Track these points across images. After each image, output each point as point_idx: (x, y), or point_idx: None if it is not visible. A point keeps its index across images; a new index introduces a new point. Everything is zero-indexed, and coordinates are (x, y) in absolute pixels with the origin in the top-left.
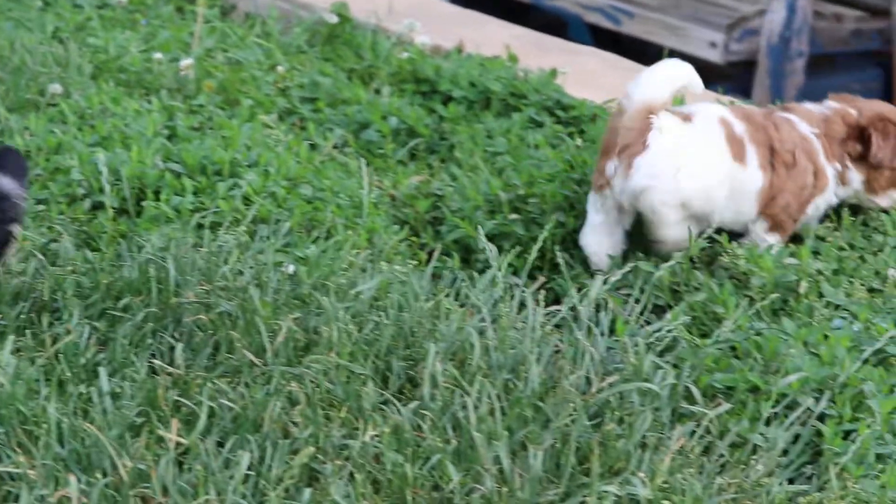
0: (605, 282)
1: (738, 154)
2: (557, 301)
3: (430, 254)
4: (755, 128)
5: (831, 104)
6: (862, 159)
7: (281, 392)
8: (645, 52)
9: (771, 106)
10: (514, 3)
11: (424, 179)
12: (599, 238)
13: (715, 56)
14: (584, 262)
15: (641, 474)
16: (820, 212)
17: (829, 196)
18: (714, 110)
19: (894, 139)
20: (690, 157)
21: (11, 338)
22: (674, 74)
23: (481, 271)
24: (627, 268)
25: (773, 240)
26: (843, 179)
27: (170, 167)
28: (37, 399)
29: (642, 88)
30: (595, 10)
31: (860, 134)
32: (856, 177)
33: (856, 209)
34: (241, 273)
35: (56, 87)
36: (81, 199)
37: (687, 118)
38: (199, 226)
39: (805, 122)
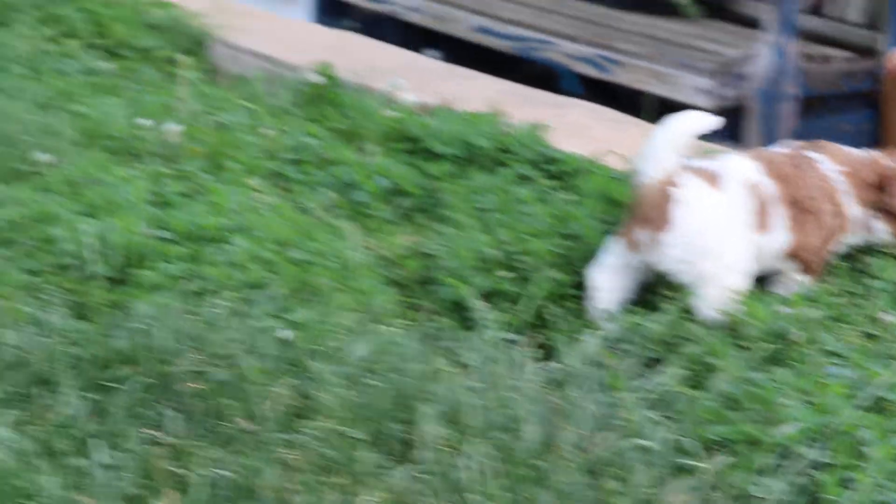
0: (599, 337)
1: (766, 223)
2: (551, 357)
3: (422, 313)
4: (781, 181)
5: (873, 152)
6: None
7: (276, 459)
8: (638, 99)
9: (801, 143)
10: (503, 56)
11: (414, 239)
12: (610, 278)
13: (705, 102)
14: (579, 316)
15: None
16: (844, 247)
17: (852, 236)
18: (741, 170)
19: None
20: (717, 236)
21: (5, 410)
22: (673, 138)
23: (474, 329)
24: (624, 323)
25: (805, 280)
26: (866, 225)
27: (159, 234)
28: (32, 472)
29: (649, 163)
30: (583, 60)
31: (882, 182)
32: (881, 225)
33: (848, 254)
34: (233, 340)
35: (43, 156)
36: (71, 269)
37: (712, 180)
38: (191, 292)
39: (831, 160)
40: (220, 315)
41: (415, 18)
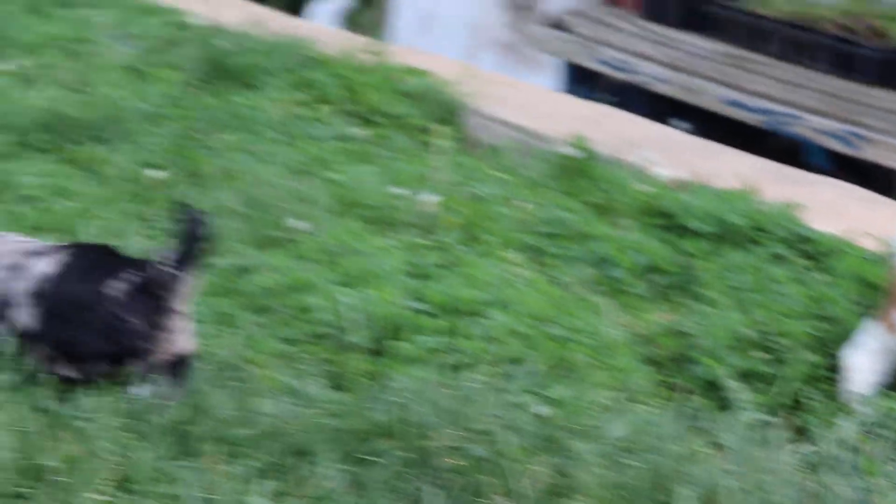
0: (854, 421)
1: None
2: (806, 440)
3: (677, 392)
4: None
5: None
6: None
7: None
8: (889, 177)
9: None
10: (749, 128)
11: (669, 317)
12: (866, 360)
13: None
14: (834, 399)
15: None
16: None
17: None
18: None
19: None
20: None
21: (263, 481)
22: None
23: (729, 410)
24: (880, 407)
25: None
26: None
27: (416, 306)
28: None
29: None
30: (831, 136)
31: None
32: None
33: None
34: (490, 415)
35: (297, 223)
36: (328, 338)
37: None
38: (447, 366)
39: None
40: (477, 389)
41: (663, 89)
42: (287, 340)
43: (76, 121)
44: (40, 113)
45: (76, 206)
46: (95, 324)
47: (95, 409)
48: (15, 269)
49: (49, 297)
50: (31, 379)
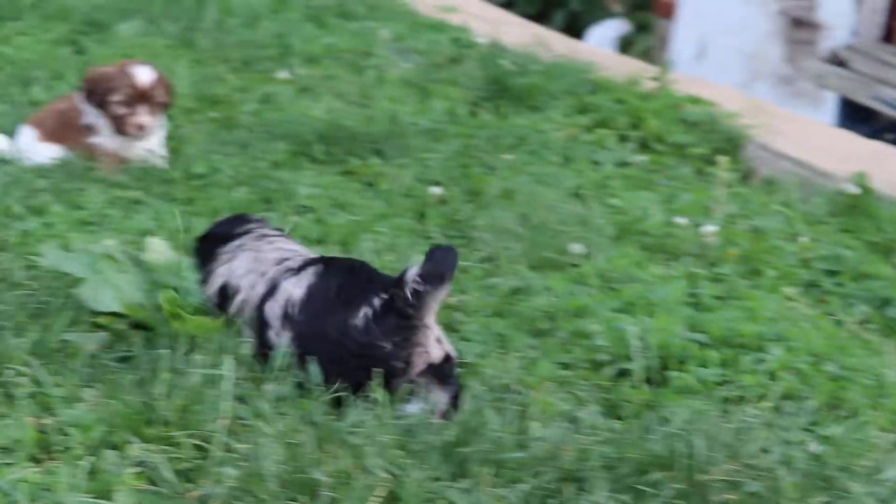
0: None
1: None
2: None
3: None
4: None
5: None
6: None
7: None
8: None
9: None
10: None
11: None
12: None
13: None
14: None
15: None
16: None
17: None
18: None
19: None
20: None
21: None
22: None
23: None
24: None
25: None
26: None
27: (694, 337)
28: None
29: None
30: None
31: None
32: None
33: None
34: (766, 451)
35: (577, 247)
36: (605, 366)
37: None
38: (724, 399)
39: None
40: (753, 424)
41: None
42: (563, 365)
43: (356, 133)
44: (320, 124)
45: (354, 220)
46: (344, 356)
47: (367, 424)
48: (270, 283)
49: (296, 323)
50: (302, 391)
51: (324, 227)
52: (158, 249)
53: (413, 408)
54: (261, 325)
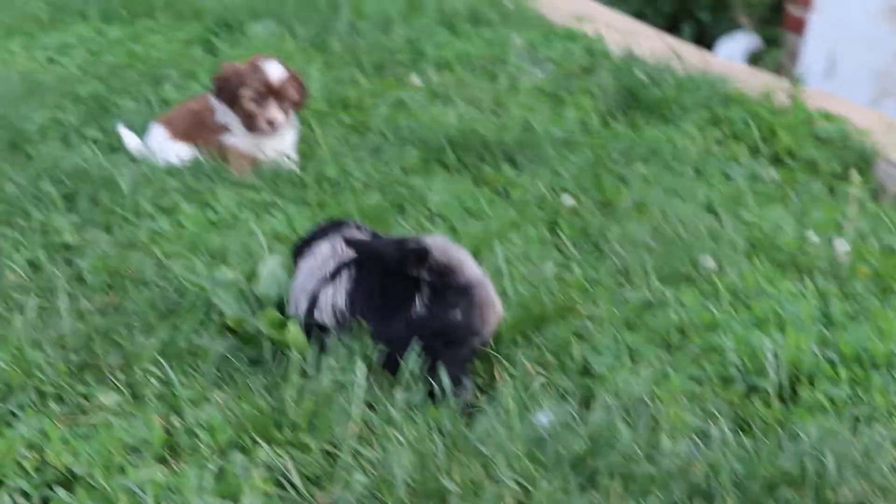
0: None
1: None
2: None
3: None
4: None
5: None
6: None
7: None
8: None
9: None
10: None
11: None
12: None
13: None
14: None
15: None
16: None
17: None
18: None
19: None
20: None
21: None
22: None
23: None
24: None
25: None
26: None
27: (825, 355)
28: None
29: None
30: None
31: None
32: None
33: None
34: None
35: (709, 262)
36: (736, 381)
37: None
38: (854, 418)
39: None
40: (883, 444)
41: None
42: (694, 379)
43: (488, 141)
44: (452, 130)
45: (485, 227)
46: (429, 346)
47: (497, 433)
48: (311, 297)
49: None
50: (431, 398)
51: (456, 235)
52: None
53: (544, 417)
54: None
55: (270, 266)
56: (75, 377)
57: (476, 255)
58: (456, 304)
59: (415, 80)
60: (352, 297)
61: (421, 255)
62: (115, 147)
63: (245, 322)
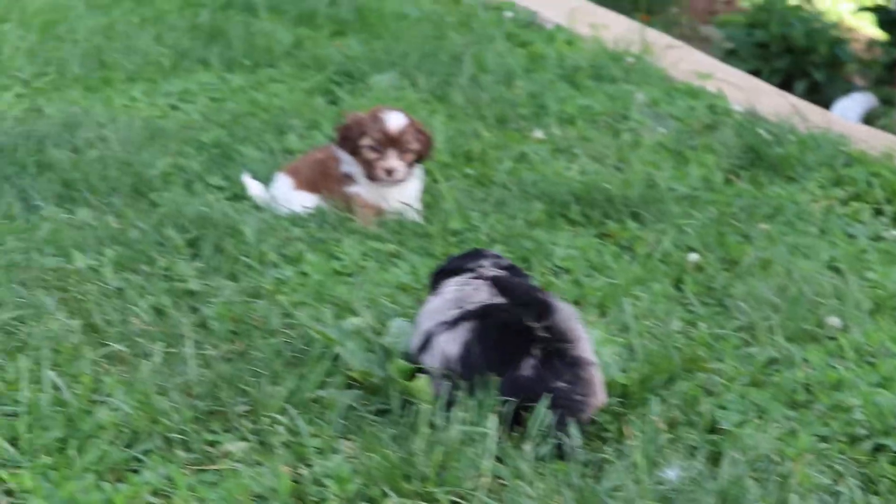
0: None
1: None
2: None
3: None
4: None
5: None
6: None
7: None
8: None
9: None
10: None
11: None
12: None
13: None
14: None
15: None
16: None
17: None
18: None
19: None
20: None
21: None
22: None
23: None
24: None
25: None
26: None
27: None
28: None
29: None
30: None
31: None
32: None
33: None
34: None
35: (834, 320)
36: (863, 440)
37: None
38: None
39: None
40: None
41: None
42: (821, 437)
43: (612, 196)
44: (576, 185)
45: (611, 283)
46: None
47: (626, 488)
48: (425, 336)
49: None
50: (560, 452)
51: (580, 289)
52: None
53: (672, 473)
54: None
55: (399, 319)
56: (202, 424)
57: (602, 309)
58: (564, 374)
59: (537, 133)
60: (468, 347)
61: (546, 308)
62: (238, 195)
63: (372, 375)
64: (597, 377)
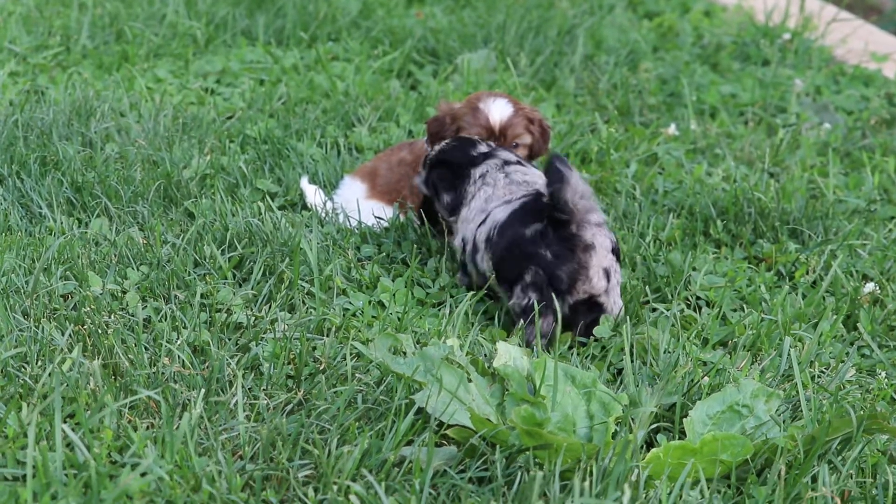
0: None
1: None
2: None
3: None
4: None
5: None
6: None
7: None
8: None
9: None
10: None
11: None
12: None
13: None
14: None
15: None
16: None
17: None
18: None
19: None
20: None
21: None
22: None
23: None
24: None
25: None
26: None
27: None
28: None
29: None
30: None
31: None
32: None
33: None
34: None
35: None
36: None
37: None
38: None
39: None
40: None
41: None
42: None
43: (766, 210)
44: (718, 194)
45: (765, 320)
46: (517, 258)
47: None
48: (485, 214)
49: (494, 244)
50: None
51: (727, 326)
52: (511, 354)
53: None
54: (474, 251)
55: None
56: (254, 493)
57: (755, 353)
58: (553, 246)
59: (670, 129)
60: (512, 216)
61: (559, 177)
62: (294, 203)
63: (471, 428)
64: (594, 263)
